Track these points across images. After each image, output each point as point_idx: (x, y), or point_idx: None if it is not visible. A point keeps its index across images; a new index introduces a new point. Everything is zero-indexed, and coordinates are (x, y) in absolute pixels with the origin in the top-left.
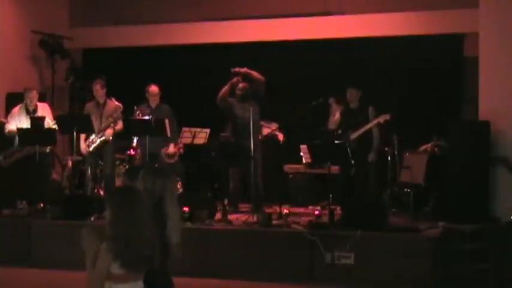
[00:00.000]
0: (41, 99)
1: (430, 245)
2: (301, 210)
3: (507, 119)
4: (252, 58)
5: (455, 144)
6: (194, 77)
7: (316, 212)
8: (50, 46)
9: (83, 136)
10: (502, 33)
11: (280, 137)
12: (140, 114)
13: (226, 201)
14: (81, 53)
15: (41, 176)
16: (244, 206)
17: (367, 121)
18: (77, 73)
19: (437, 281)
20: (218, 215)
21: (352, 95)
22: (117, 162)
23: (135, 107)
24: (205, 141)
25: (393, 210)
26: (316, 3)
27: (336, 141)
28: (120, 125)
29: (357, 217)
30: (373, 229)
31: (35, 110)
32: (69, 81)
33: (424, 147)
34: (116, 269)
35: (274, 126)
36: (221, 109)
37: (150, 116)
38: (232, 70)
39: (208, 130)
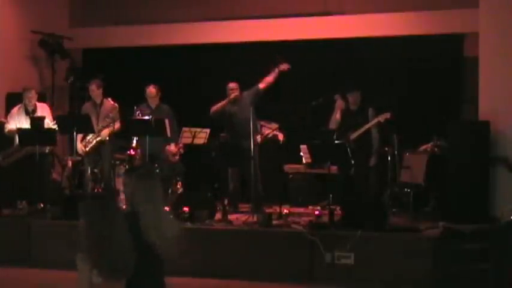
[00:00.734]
0: (41, 99)
1: (430, 245)
2: (301, 210)
3: (507, 119)
4: (252, 58)
5: (455, 144)
6: (194, 77)
7: (316, 212)
8: (50, 46)
9: (79, 136)
10: (502, 33)
11: (280, 137)
12: (140, 114)
13: (226, 201)
14: (81, 53)
15: (41, 176)
16: (244, 206)
17: (367, 123)
18: (77, 73)
19: (437, 281)
20: (218, 215)
21: (357, 98)
22: (117, 162)
23: (135, 107)
24: (205, 141)
25: (393, 210)
26: (316, 3)
27: (336, 141)
28: (117, 125)
29: (357, 217)
30: (373, 229)
31: (34, 110)
32: (69, 81)
33: (424, 147)
34: (94, 278)
35: (274, 126)
36: (215, 119)
37: (150, 116)
38: (280, 59)
39: (208, 130)
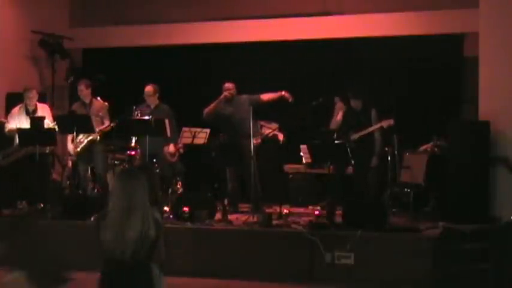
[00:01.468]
0: (41, 99)
1: (430, 245)
2: (301, 210)
3: (507, 119)
4: (252, 58)
5: (455, 144)
6: (194, 77)
7: (316, 212)
8: (50, 46)
9: (69, 137)
10: (502, 33)
11: (280, 137)
12: (139, 115)
13: (226, 201)
14: (81, 53)
15: (41, 176)
16: (244, 206)
17: (369, 123)
18: (77, 73)
19: (437, 281)
20: (218, 215)
21: (359, 104)
22: (117, 162)
23: (134, 107)
24: (205, 141)
25: (393, 210)
26: (315, 3)
27: (336, 141)
28: (107, 124)
29: (357, 217)
30: (373, 229)
31: (35, 111)
32: (69, 81)
33: (424, 147)
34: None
35: (274, 126)
36: (209, 121)
37: (150, 116)
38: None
39: (208, 130)
